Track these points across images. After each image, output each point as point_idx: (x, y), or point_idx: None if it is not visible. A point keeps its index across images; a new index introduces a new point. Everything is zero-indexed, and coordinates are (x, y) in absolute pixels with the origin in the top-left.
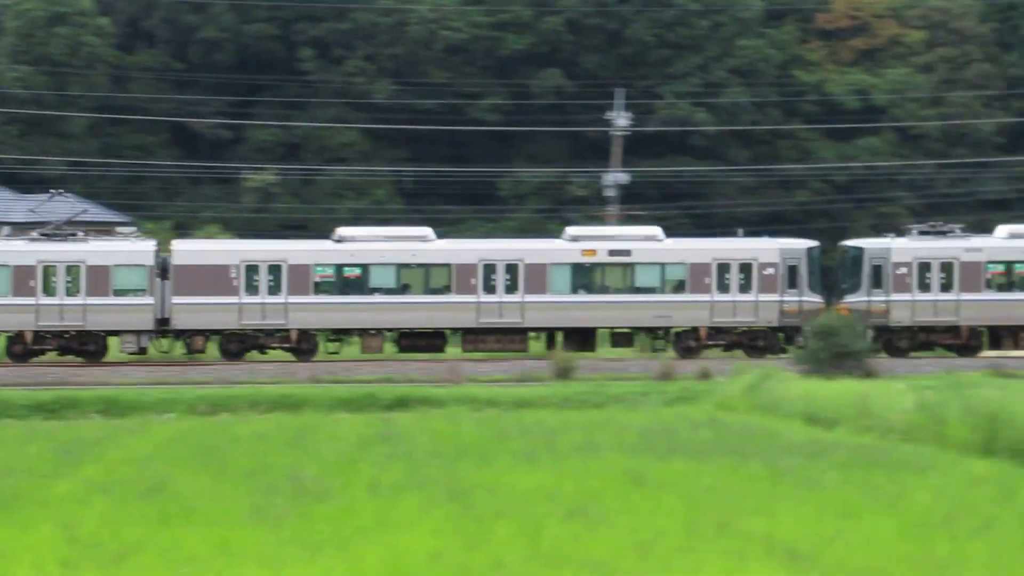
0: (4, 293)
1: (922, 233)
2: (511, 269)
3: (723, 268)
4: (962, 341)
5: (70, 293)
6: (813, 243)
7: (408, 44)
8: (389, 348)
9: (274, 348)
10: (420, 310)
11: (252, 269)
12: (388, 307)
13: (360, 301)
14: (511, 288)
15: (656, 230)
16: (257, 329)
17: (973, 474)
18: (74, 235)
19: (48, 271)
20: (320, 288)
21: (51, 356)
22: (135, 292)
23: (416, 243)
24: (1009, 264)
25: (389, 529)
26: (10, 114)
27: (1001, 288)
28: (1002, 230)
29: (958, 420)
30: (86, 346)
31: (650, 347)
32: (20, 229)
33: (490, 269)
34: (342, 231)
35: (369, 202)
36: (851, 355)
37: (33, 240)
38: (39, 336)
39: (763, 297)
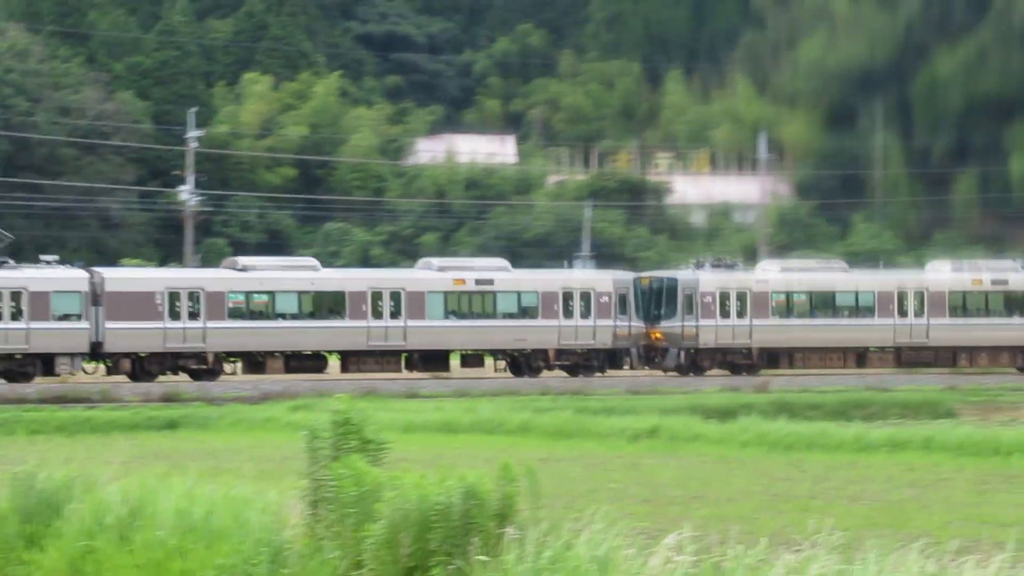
0: None
1: (713, 266)
2: (394, 296)
3: (567, 296)
4: (752, 361)
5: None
6: (636, 274)
7: None
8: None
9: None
10: (313, 334)
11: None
12: (288, 331)
13: (267, 326)
14: (395, 313)
15: (505, 262)
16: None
17: None
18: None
19: None
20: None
21: None
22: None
23: (310, 272)
24: (788, 294)
25: None
26: None
27: (782, 315)
28: (772, 264)
29: None
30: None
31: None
32: None
33: (377, 296)
34: (243, 260)
35: None
36: None
37: None
38: None
39: (600, 322)
